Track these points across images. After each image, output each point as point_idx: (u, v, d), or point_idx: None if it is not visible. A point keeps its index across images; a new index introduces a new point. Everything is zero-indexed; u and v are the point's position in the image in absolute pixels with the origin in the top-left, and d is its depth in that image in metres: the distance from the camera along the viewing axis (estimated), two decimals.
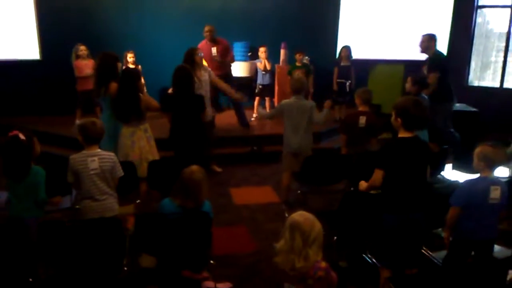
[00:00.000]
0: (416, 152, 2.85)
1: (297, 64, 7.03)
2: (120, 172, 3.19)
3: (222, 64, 6.50)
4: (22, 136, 3.00)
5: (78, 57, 6.51)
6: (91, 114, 6.67)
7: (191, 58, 5.08)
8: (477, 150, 2.84)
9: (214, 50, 6.42)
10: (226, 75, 6.48)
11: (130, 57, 6.90)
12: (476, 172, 2.86)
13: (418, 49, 5.67)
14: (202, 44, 6.39)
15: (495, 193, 2.72)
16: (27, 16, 7.27)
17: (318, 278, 2.00)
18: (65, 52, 6.60)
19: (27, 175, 2.93)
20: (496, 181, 2.79)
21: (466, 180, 2.92)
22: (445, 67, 5.55)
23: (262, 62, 7.30)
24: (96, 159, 3.03)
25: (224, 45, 6.53)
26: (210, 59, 6.35)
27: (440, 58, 5.63)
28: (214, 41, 6.45)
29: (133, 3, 7.72)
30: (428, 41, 5.54)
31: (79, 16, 7.43)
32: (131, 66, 6.78)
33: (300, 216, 2.06)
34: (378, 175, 2.86)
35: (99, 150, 3.10)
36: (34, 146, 3.08)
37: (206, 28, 6.40)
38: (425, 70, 5.60)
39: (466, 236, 2.81)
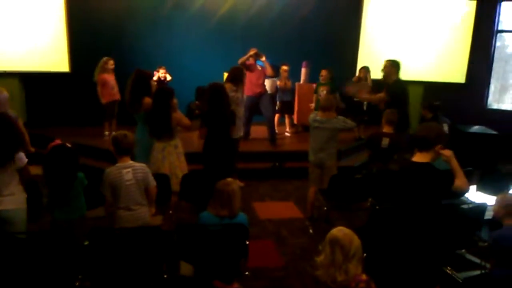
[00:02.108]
0: (425, 178, 2.83)
1: (322, 81, 7.19)
2: (153, 182, 3.30)
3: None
4: (68, 144, 3.19)
5: (104, 70, 6.76)
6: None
7: (240, 77, 5.29)
8: (499, 197, 2.93)
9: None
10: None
11: (162, 72, 7.32)
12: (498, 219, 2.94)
13: (381, 73, 5.57)
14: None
15: None
16: (58, 31, 7.56)
17: None
18: (93, 65, 6.85)
19: (75, 179, 3.09)
20: None
21: (495, 234, 2.97)
22: (400, 97, 5.30)
23: (282, 80, 7.47)
24: (130, 170, 3.16)
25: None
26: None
27: (397, 86, 5.38)
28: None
29: (162, 20, 8.00)
30: (390, 67, 5.43)
31: (108, 31, 7.70)
32: (162, 78, 7.26)
33: (340, 231, 2.15)
34: None
35: (131, 161, 3.24)
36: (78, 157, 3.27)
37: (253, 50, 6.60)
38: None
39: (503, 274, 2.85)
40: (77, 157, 3.19)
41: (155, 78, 7.35)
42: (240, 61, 6.28)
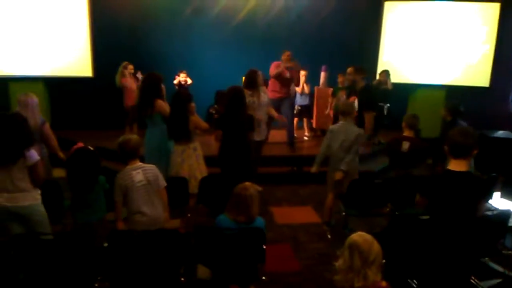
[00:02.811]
0: (466, 188, 2.71)
1: (340, 85, 7.13)
2: (163, 182, 3.33)
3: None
4: (90, 147, 3.26)
5: (124, 75, 6.90)
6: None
7: (254, 80, 5.28)
8: None
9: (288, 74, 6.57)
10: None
11: (183, 76, 7.44)
12: None
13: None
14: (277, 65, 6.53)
15: None
16: (81, 36, 7.75)
17: None
18: (116, 70, 7.01)
19: (97, 183, 3.15)
20: None
21: None
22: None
23: (301, 85, 7.45)
24: (140, 171, 3.21)
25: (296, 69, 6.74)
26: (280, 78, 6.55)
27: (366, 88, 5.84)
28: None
29: (182, 25, 8.12)
30: (354, 74, 5.87)
31: (130, 37, 7.87)
32: (183, 82, 7.37)
33: (360, 237, 2.12)
34: (420, 199, 2.87)
35: (140, 163, 3.29)
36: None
37: (288, 53, 6.52)
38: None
39: None
40: (99, 160, 3.26)
41: (175, 82, 7.46)
42: (274, 74, 6.32)
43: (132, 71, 7.04)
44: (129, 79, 7.01)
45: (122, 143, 3.27)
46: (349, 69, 6.61)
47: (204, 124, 4.52)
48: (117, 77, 6.97)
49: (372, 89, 6.78)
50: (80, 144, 3.59)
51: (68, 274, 2.76)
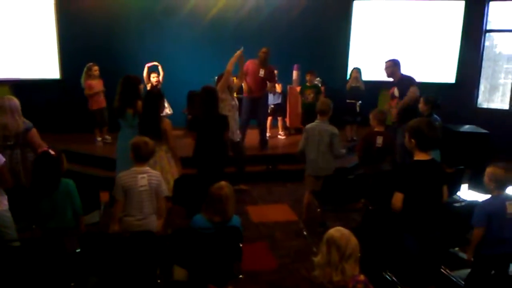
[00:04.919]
0: (433, 175, 2.92)
1: (308, 84, 7.21)
2: (165, 192, 3.30)
3: (264, 87, 6.69)
4: (52, 152, 3.17)
5: (89, 76, 6.70)
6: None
7: (227, 82, 5.28)
8: (488, 170, 2.97)
9: (262, 72, 6.53)
10: (265, 96, 6.82)
11: (153, 77, 7.14)
12: (488, 192, 2.99)
13: (384, 74, 5.78)
14: (250, 63, 6.49)
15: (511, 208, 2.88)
16: (48, 37, 7.53)
17: None
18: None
19: (56, 189, 3.07)
20: (511, 197, 2.94)
21: (482, 201, 3.05)
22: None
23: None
24: (145, 176, 3.16)
25: (271, 70, 6.69)
26: (256, 79, 6.52)
27: (409, 78, 5.64)
28: (265, 64, 6.54)
29: (151, 26, 7.99)
30: (392, 67, 5.65)
31: (99, 38, 7.67)
32: (155, 84, 7.07)
33: (337, 231, 2.14)
34: (398, 197, 2.91)
35: (147, 168, 3.23)
36: (63, 162, 3.24)
37: (264, 49, 6.48)
38: (395, 92, 5.64)
39: (490, 251, 2.92)
40: (59, 165, 3.16)
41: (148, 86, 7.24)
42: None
43: (97, 72, 6.80)
44: (94, 81, 6.76)
45: (138, 145, 3.19)
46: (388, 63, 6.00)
47: (172, 136, 4.31)
48: (82, 79, 6.75)
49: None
50: (45, 148, 3.48)
51: (39, 281, 2.68)
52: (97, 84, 6.76)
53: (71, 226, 3.13)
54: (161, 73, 7.22)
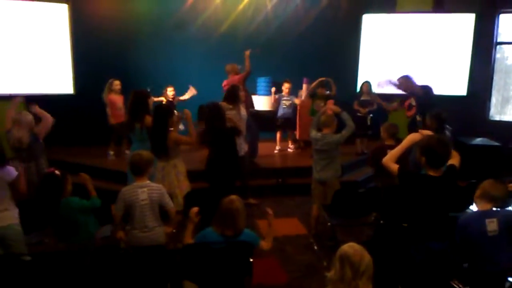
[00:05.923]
0: (440, 192, 2.90)
1: (318, 95, 7.23)
2: (170, 204, 3.33)
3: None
4: (57, 172, 3.24)
5: (111, 91, 6.82)
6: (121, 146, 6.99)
7: (236, 95, 5.32)
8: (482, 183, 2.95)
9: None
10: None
11: (170, 91, 7.21)
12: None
13: (400, 91, 5.88)
14: (230, 81, 6.54)
15: (492, 226, 2.82)
16: (63, 54, 7.69)
17: None
18: (97, 87, 6.93)
19: (57, 208, 3.13)
20: (492, 214, 2.88)
21: (462, 216, 3.03)
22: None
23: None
24: (145, 190, 3.19)
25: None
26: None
27: (427, 88, 5.70)
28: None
29: (163, 41, 8.13)
30: (406, 82, 5.70)
31: (111, 54, 7.80)
32: (171, 99, 7.14)
33: (350, 247, 2.13)
34: (394, 167, 3.02)
35: (148, 181, 3.26)
36: (67, 183, 3.29)
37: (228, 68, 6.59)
38: (413, 102, 5.70)
39: (482, 269, 2.89)
40: (63, 185, 3.22)
41: (162, 98, 7.26)
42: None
43: (119, 87, 6.92)
44: (115, 96, 6.91)
45: (132, 159, 3.25)
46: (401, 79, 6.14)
47: (185, 139, 4.48)
48: (104, 94, 6.89)
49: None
50: (52, 169, 3.54)
51: None
52: (118, 99, 6.86)
53: (81, 241, 3.16)
54: (192, 92, 7.25)
